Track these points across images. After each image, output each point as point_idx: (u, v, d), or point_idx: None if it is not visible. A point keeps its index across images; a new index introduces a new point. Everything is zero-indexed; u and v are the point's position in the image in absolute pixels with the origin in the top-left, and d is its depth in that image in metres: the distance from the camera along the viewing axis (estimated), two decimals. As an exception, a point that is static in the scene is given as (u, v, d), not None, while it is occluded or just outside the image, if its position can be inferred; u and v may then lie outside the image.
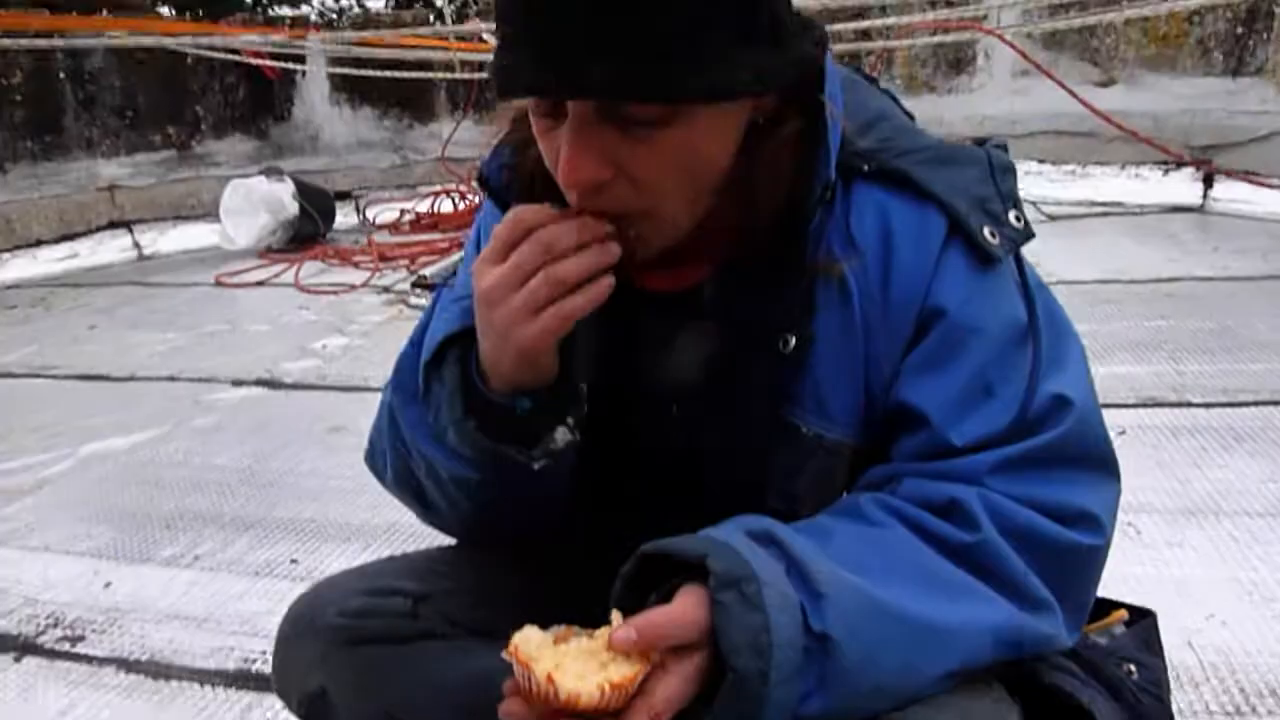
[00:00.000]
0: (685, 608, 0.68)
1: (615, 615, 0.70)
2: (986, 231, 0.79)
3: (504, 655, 0.68)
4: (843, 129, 0.81)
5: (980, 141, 0.88)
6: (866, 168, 0.81)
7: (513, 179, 0.88)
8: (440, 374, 0.83)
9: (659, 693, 0.66)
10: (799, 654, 0.66)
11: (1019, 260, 0.83)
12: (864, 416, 0.84)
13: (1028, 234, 0.82)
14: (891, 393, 0.82)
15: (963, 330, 0.79)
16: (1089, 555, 0.78)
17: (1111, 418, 2.69)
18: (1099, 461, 0.81)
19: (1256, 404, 2.61)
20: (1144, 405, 2.65)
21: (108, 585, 2.07)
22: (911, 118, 0.93)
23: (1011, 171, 0.85)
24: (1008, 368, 0.79)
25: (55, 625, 1.93)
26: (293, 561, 2.13)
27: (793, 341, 0.80)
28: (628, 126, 0.69)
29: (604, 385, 0.88)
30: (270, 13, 16.34)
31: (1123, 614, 0.93)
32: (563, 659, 0.67)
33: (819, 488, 0.86)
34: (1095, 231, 5.07)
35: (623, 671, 0.65)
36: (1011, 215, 0.81)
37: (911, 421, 0.80)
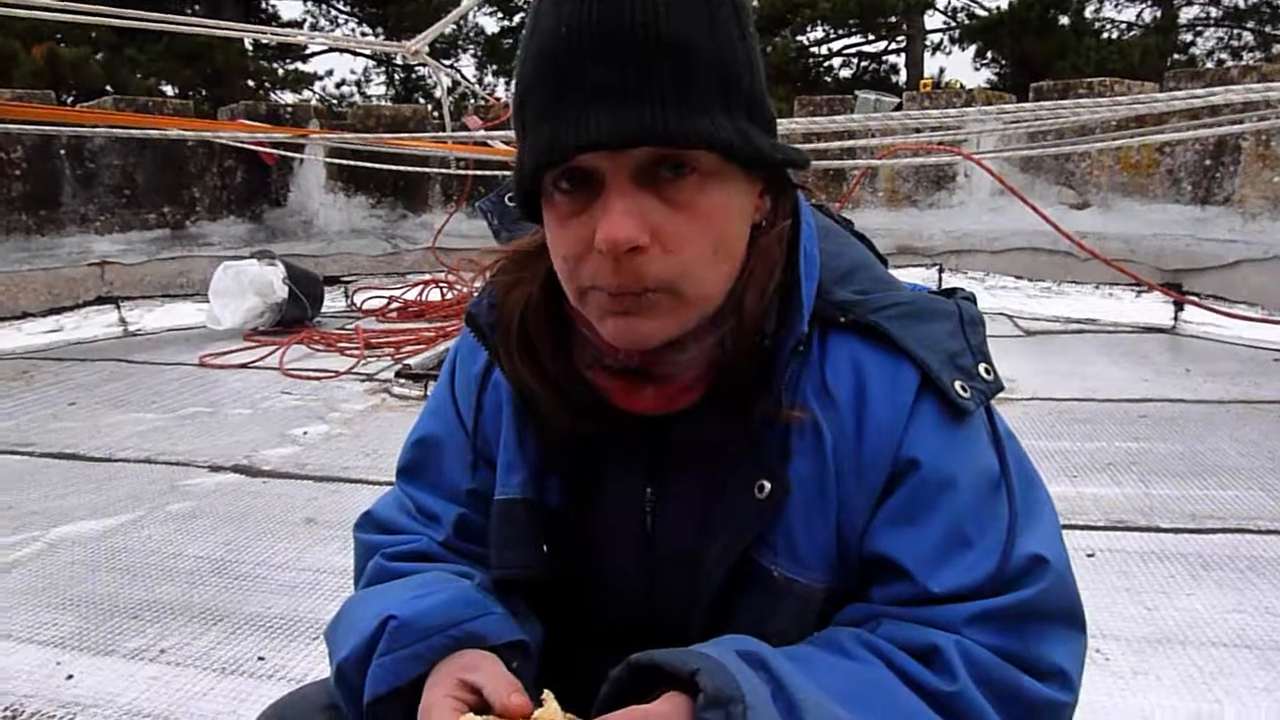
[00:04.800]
0: (662, 712, 0.70)
1: (547, 694, 0.74)
2: (958, 386, 0.82)
3: None
4: (820, 277, 0.85)
5: (949, 292, 0.93)
6: (843, 319, 0.84)
7: (498, 318, 0.90)
8: (382, 716, 0.84)
9: None
10: None
11: (989, 411, 0.86)
12: (836, 561, 0.85)
13: (997, 386, 0.86)
14: (866, 542, 0.84)
15: (937, 482, 0.81)
16: (1060, 711, 0.80)
17: (1083, 539, 2.72)
18: (1069, 617, 0.83)
19: (1224, 531, 2.65)
20: (1114, 528, 2.68)
21: (69, 677, 2.03)
22: (885, 263, 0.97)
23: (981, 324, 0.89)
24: (984, 518, 0.81)
25: (14, 717, 1.89)
26: (260, 659, 2.10)
27: (769, 487, 0.83)
28: (665, 191, 0.73)
29: (572, 513, 0.91)
30: (272, 98, 16.72)
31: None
32: None
33: (790, 630, 0.86)
34: (1070, 348, 5.18)
35: None
36: (981, 368, 0.85)
37: (888, 572, 0.82)
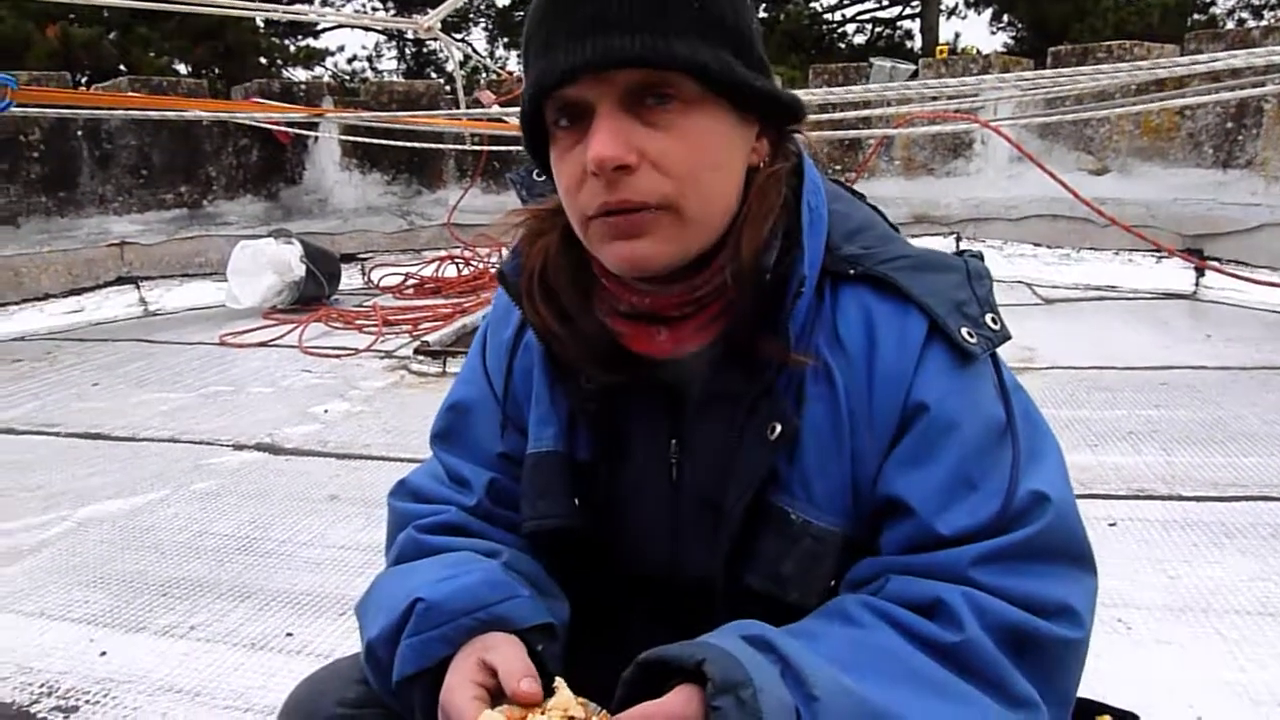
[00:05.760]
0: (675, 705, 0.71)
1: (559, 682, 0.77)
2: (964, 332, 0.85)
3: None
4: (829, 234, 0.89)
5: (959, 253, 0.94)
6: (852, 271, 0.88)
7: (523, 269, 0.94)
8: (411, 693, 0.86)
9: None
10: None
11: (996, 363, 0.88)
12: (851, 506, 0.88)
13: (1004, 335, 0.88)
14: (877, 486, 0.87)
15: (943, 424, 0.83)
16: (1070, 648, 0.81)
17: (1104, 509, 2.72)
18: (1077, 556, 0.84)
19: (1247, 498, 2.65)
20: (1136, 497, 2.68)
21: (103, 654, 2.07)
22: (895, 230, 0.98)
23: (988, 278, 0.91)
24: (988, 461, 0.83)
25: (49, 694, 1.93)
26: (288, 635, 2.14)
27: (779, 429, 0.85)
28: (651, 116, 0.78)
29: (602, 468, 0.95)
30: (285, 75, 16.68)
31: (1107, 718, 0.95)
32: None
33: (806, 572, 0.88)
34: (1089, 316, 5.15)
35: None
36: (988, 318, 0.87)
37: (897, 513, 0.85)
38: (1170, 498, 2.67)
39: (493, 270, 6.57)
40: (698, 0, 0.77)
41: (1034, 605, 0.79)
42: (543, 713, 0.75)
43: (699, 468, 0.93)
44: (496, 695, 0.79)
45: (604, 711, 0.76)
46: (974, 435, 0.83)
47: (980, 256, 0.94)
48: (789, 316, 0.84)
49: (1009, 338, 0.88)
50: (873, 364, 0.85)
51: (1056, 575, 0.81)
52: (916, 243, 0.96)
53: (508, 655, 0.81)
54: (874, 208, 0.99)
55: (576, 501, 0.94)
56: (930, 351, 0.85)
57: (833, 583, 0.89)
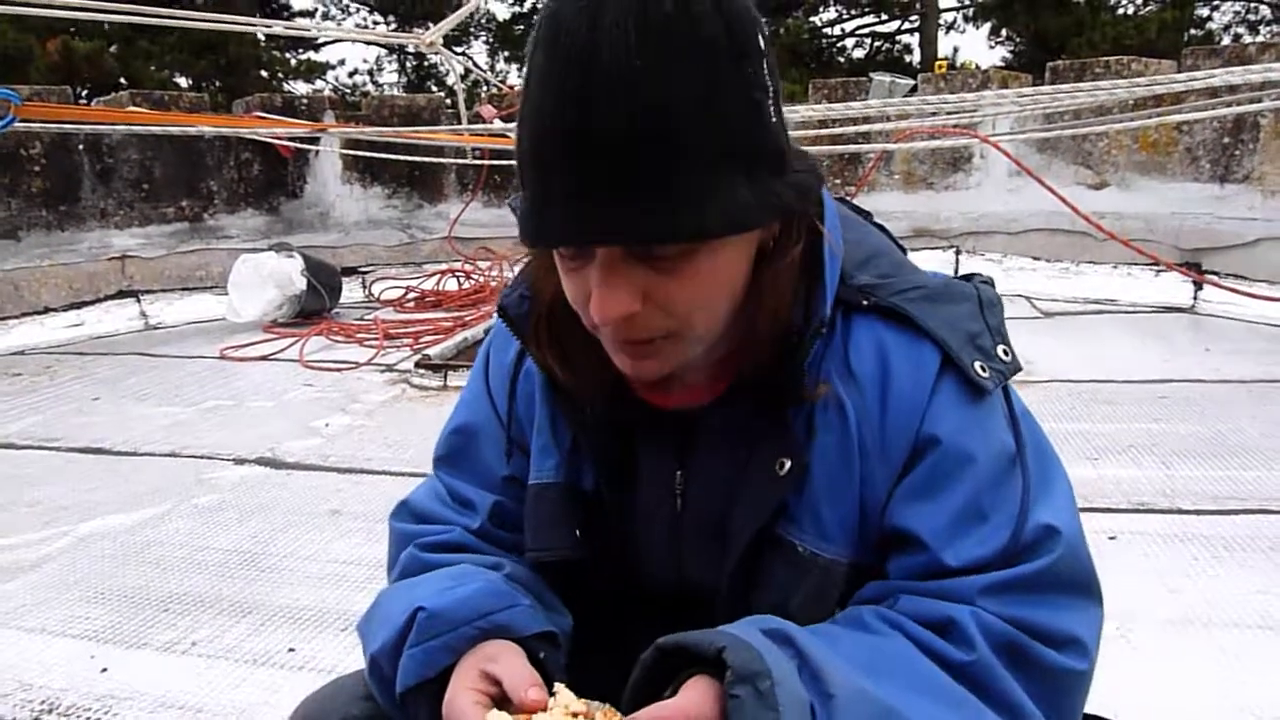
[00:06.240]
0: (691, 701, 0.71)
1: (559, 686, 0.77)
2: (977, 366, 0.85)
3: None
4: (841, 263, 0.88)
5: (967, 278, 0.95)
6: (865, 302, 0.87)
7: (530, 308, 0.93)
8: (415, 704, 0.86)
9: None
10: None
11: (1006, 391, 0.89)
12: (858, 535, 0.88)
13: (1015, 367, 0.88)
14: (885, 516, 0.87)
15: (955, 458, 0.83)
16: (1076, 679, 0.82)
17: (1104, 522, 2.72)
18: (1084, 587, 0.85)
19: (1246, 512, 2.65)
20: (1136, 510, 2.68)
21: (104, 670, 2.07)
22: (905, 251, 0.99)
23: (999, 307, 0.91)
24: (999, 493, 0.83)
25: (50, 711, 1.93)
26: (290, 650, 2.14)
27: (788, 465, 0.85)
28: (654, 262, 0.74)
29: (606, 498, 0.94)
30: (286, 89, 16.75)
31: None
32: None
33: (813, 605, 0.89)
34: (1089, 329, 5.16)
35: None
36: (1000, 350, 0.87)
37: (907, 544, 0.85)
38: (1170, 511, 2.68)
39: (493, 284, 6.59)
40: (711, 133, 0.70)
41: (1041, 635, 0.80)
42: (546, 711, 0.76)
43: (705, 498, 0.93)
44: (499, 703, 0.79)
45: (607, 708, 0.76)
46: (985, 468, 0.83)
47: (991, 283, 0.94)
48: (806, 358, 0.84)
49: (1020, 369, 0.88)
50: (886, 395, 0.85)
51: (1064, 606, 0.82)
52: (916, 257, 0.97)
53: (511, 665, 0.81)
54: (881, 226, 1.00)
55: (579, 533, 0.94)
56: (943, 385, 0.85)
57: (837, 608, 0.90)
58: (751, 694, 0.68)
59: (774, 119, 0.75)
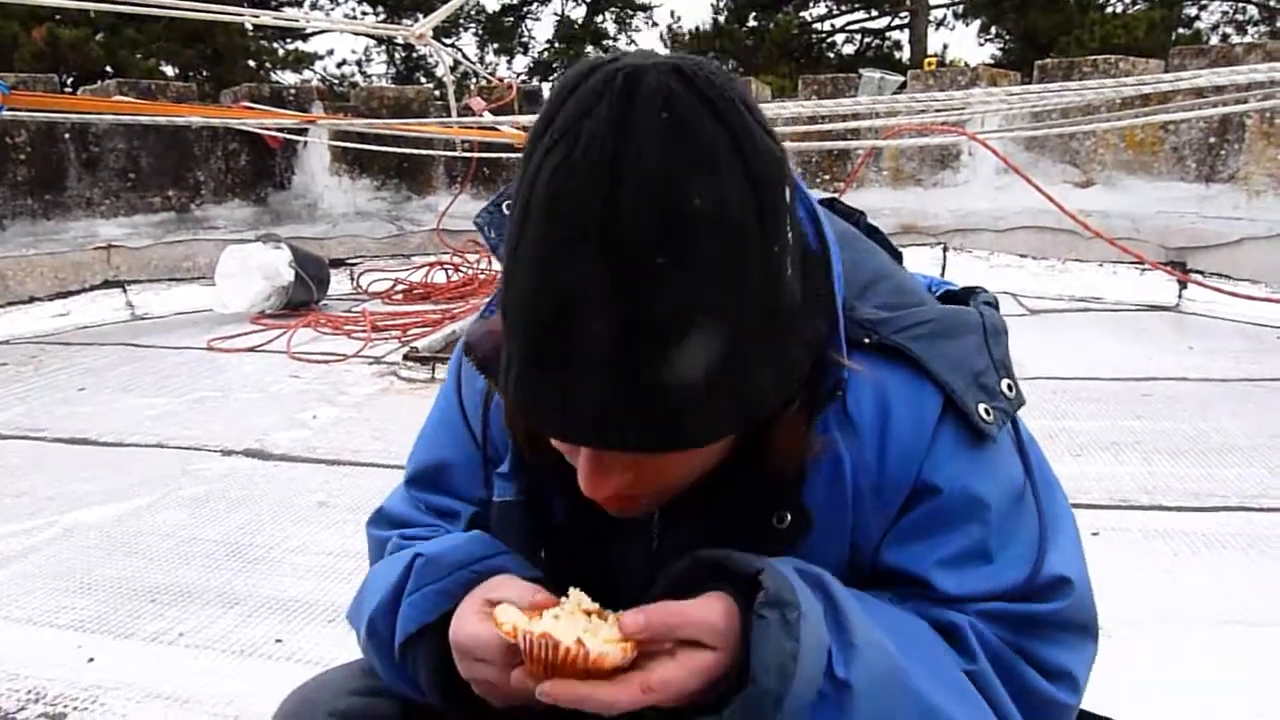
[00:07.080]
0: (706, 610, 0.72)
1: (574, 591, 0.77)
2: (981, 409, 0.81)
3: (502, 634, 0.73)
4: (843, 293, 0.82)
5: (970, 291, 0.93)
6: (868, 340, 0.82)
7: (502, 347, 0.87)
8: (414, 657, 0.86)
9: (658, 672, 0.70)
10: (815, 693, 0.69)
11: (1013, 418, 0.86)
12: (848, 572, 0.86)
13: (1019, 402, 0.85)
14: (877, 557, 0.85)
15: (958, 503, 0.81)
16: (1064, 712, 0.83)
17: (1087, 518, 2.73)
18: (1083, 627, 0.85)
19: (1227, 509, 2.68)
20: (1118, 507, 2.71)
21: (90, 660, 2.07)
22: (900, 257, 0.96)
23: (1004, 333, 0.87)
24: (1005, 533, 0.82)
25: (36, 701, 1.93)
26: (277, 641, 2.14)
27: (788, 518, 0.82)
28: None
29: (576, 531, 0.91)
30: (274, 79, 16.65)
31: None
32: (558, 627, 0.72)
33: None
34: (1074, 327, 5.20)
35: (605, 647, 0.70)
36: (1004, 385, 0.84)
37: (901, 580, 0.84)
38: (1152, 508, 2.71)
39: (481, 276, 6.59)
40: (724, 330, 0.64)
41: (1038, 665, 0.81)
42: (559, 605, 0.76)
43: (685, 539, 0.87)
44: None
45: (620, 614, 0.74)
46: (991, 511, 0.81)
47: (994, 303, 0.91)
48: (816, 419, 0.80)
49: (1024, 403, 0.85)
50: (885, 441, 0.82)
51: (1063, 643, 0.82)
52: (904, 253, 0.95)
53: (514, 585, 0.82)
54: (874, 229, 0.97)
55: (543, 554, 0.92)
56: (944, 431, 0.81)
57: None
58: (778, 619, 0.69)
59: (790, 271, 0.70)
